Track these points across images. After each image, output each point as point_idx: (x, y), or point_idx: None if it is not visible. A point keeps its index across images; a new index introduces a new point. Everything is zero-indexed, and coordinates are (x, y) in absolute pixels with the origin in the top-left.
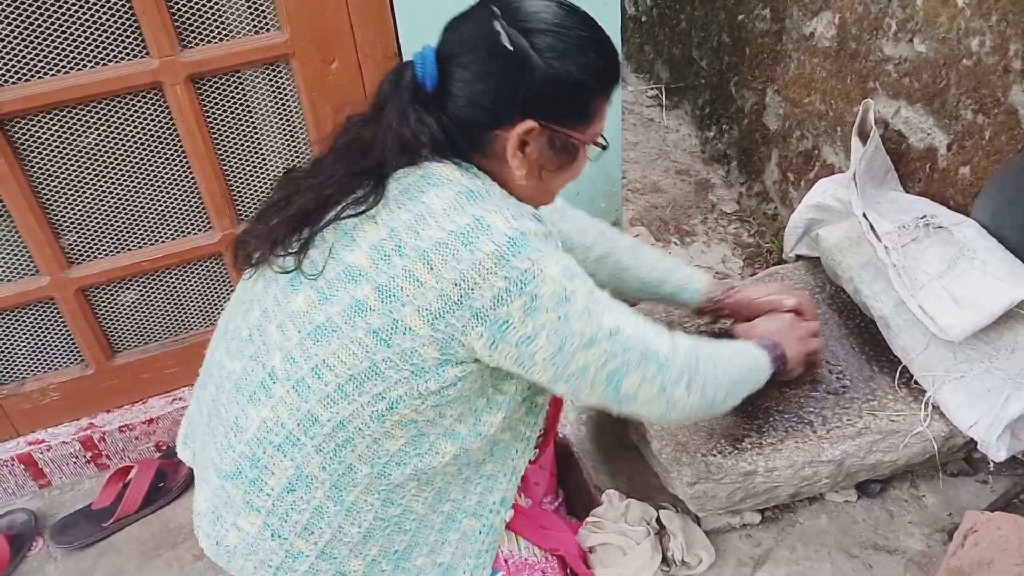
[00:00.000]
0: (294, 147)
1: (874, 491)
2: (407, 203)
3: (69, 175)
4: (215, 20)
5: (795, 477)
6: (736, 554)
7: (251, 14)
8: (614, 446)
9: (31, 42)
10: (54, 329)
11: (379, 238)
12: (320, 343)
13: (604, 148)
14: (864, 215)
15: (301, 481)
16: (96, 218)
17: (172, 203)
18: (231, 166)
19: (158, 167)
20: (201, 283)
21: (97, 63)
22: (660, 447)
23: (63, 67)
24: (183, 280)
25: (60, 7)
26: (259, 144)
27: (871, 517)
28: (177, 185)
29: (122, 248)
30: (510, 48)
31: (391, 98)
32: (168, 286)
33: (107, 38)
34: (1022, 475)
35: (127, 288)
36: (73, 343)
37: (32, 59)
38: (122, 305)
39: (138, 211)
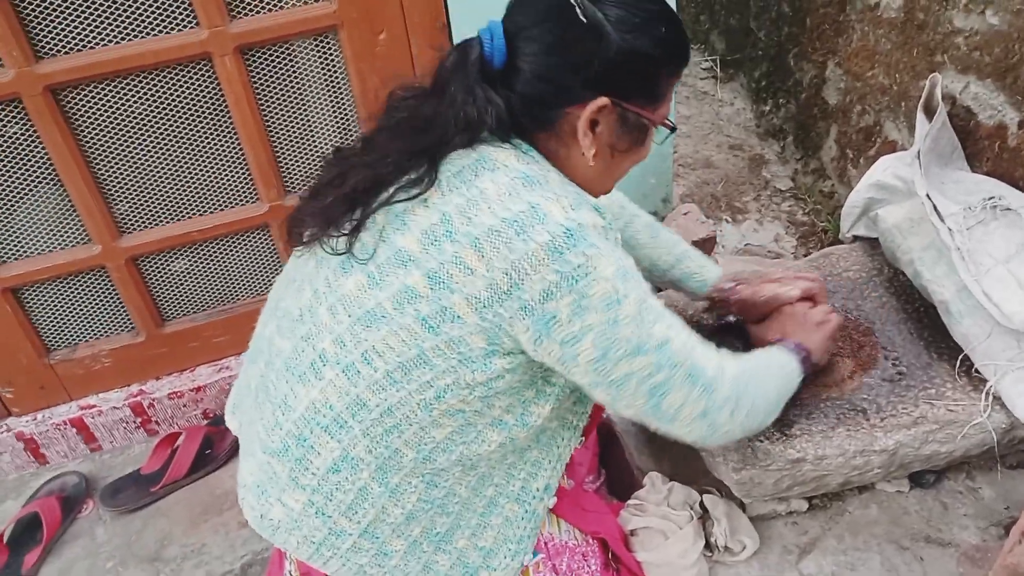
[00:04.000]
0: (341, 119)
1: (928, 482)
2: (460, 187)
3: (120, 145)
4: None
5: (846, 466)
6: (781, 541)
7: None
8: None
9: (83, 12)
10: (106, 297)
11: (430, 222)
12: (370, 328)
13: (673, 130)
14: (928, 195)
15: (346, 462)
16: (146, 188)
17: (220, 174)
18: (279, 138)
19: (207, 138)
20: (248, 254)
21: (148, 33)
22: None
23: (114, 37)
24: (230, 251)
25: None
26: (307, 116)
27: (924, 508)
28: (225, 156)
29: (171, 218)
30: (584, 19)
31: (456, 75)
32: (216, 256)
33: (158, 8)
34: None
35: (176, 258)
36: (124, 311)
37: (84, 29)
38: (171, 274)
39: (187, 181)
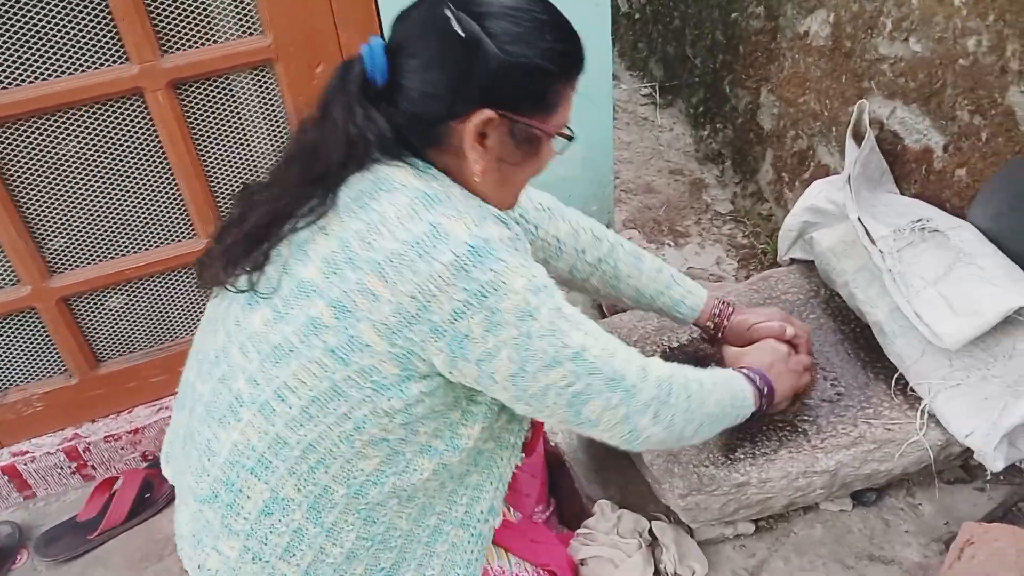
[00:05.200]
0: (280, 152)
1: (870, 500)
2: (358, 211)
3: (50, 183)
4: (197, 25)
5: (789, 488)
6: (730, 565)
7: (235, 18)
8: (606, 455)
9: (8, 48)
10: (37, 339)
11: (330, 250)
12: (279, 364)
13: (570, 139)
14: (859, 218)
15: (277, 504)
16: (78, 226)
17: (156, 210)
18: (216, 172)
19: (141, 174)
20: (186, 291)
21: (77, 69)
22: (652, 458)
23: (42, 74)
24: (167, 288)
25: (38, 13)
26: (245, 150)
27: (867, 526)
28: (160, 192)
29: (105, 256)
30: (461, 34)
31: (336, 95)
32: (152, 294)
33: (87, 44)
34: (1020, 483)
35: (111, 296)
36: (56, 353)
37: (10, 66)
38: (106, 313)
39: (121, 218)
